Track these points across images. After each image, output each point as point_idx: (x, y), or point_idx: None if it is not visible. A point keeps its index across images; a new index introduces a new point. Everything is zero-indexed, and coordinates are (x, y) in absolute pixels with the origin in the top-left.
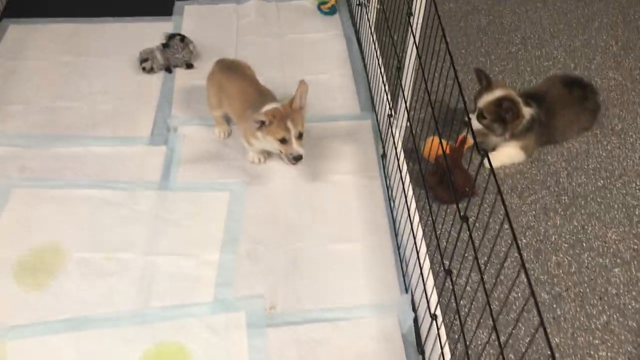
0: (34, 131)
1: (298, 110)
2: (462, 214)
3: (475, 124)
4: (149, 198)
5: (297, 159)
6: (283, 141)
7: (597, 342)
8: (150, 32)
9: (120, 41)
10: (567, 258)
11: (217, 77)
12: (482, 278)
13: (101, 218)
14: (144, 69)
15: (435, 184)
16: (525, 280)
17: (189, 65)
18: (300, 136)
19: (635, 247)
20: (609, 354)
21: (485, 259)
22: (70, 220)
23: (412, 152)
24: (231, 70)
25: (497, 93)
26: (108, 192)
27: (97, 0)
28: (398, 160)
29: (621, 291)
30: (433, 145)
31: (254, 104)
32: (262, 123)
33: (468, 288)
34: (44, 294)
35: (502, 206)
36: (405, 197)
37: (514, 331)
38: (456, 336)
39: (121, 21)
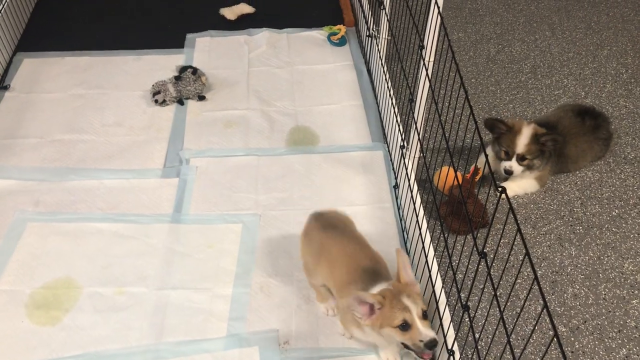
0: (48, 164)
1: (410, 284)
2: (479, 248)
3: (515, 166)
4: (162, 231)
5: (431, 346)
6: (404, 327)
7: None
8: (162, 64)
9: (133, 74)
10: (583, 290)
11: (315, 238)
12: (502, 317)
13: (113, 251)
14: (156, 101)
15: (446, 214)
16: (545, 315)
17: (201, 97)
18: (424, 315)
19: None
20: None
21: (505, 293)
22: (83, 254)
23: (425, 183)
24: (333, 228)
25: (527, 132)
26: (120, 226)
27: (110, 33)
28: (411, 191)
29: None
30: (444, 176)
31: (360, 279)
32: (371, 308)
33: (486, 322)
34: (57, 328)
35: (521, 241)
36: (420, 229)
37: None
38: None
39: (134, 54)
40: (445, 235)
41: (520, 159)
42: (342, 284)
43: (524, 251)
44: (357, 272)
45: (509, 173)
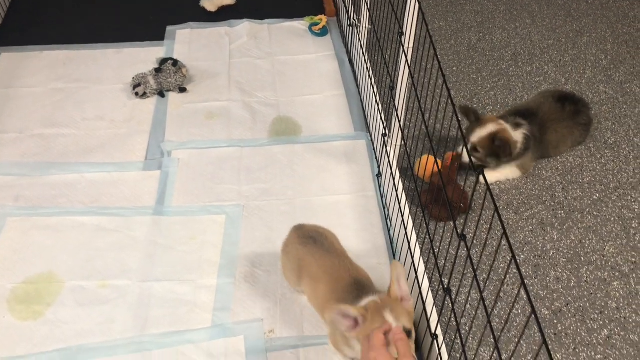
0: (28, 159)
1: (401, 299)
2: (459, 231)
3: (464, 154)
4: (144, 224)
5: None
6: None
7: (599, 357)
8: (143, 57)
9: (113, 67)
10: (566, 273)
11: (296, 251)
12: (482, 297)
13: (96, 245)
14: (136, 94)
15: (429, 201)
16: (525, 296)
17: (182, 89)
18: (408, 335)
19: (634, 259)
20: None
21: (485, 276)
22: (65, 248)
23: (408, 171)
24: (316, 243)
25: (490, 128)
26: (102, 219)
27: (89, 27)
28: (394, 179)
29: (621, 305)
30: (424, 164)
31: (342, 296)
32: (355, 321)
33: (468, 306)
34: (39, 323)
35: (500, 223)
36: (402, 216)
37: (517, 348)
38: (458, 355)
39: (114, 47)
40: (427, 222)
41: (473, 149)
42: (326, 301)
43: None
44: (341, 288)
45: (458, 159)
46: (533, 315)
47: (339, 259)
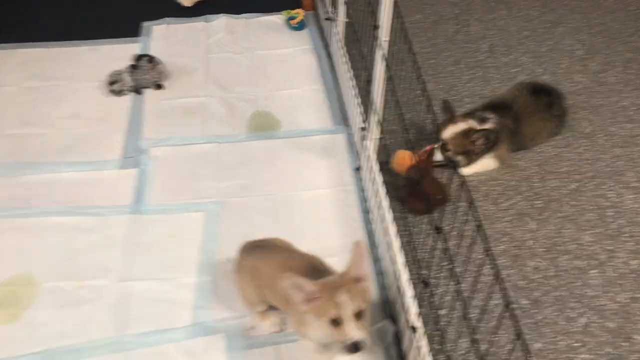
0: (3, 160)
1: (355, 280)
2: (436, 224)
3: (438, 155)
4: (122, 222)
5: (353, 349)
6: (335, 323)
7: (577, 344)
8: (118, 54)
9: (89, 64)
10: (544, 262)
11: (245, 264)
12: (458, 290)
13: (73, 245)
14: (112, 91)
15: (407, 195)
16: (504, 286)
17: (159, 86)
18: (359, 315)
19: (610, 248)
20: (589, 357)
21: (464, 267)
22: (42, 249)
23: (387, 164)
24: (261, 248)
25: (462, 126)
26: (79, 219)
27: (63, 24)
28: (372, 172)
29: (598, 293)
30: (402, 158)
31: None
32: (308, 297)
33: (448, 297)
34: (17, 326)
35: (477, 214)
36: (381, 209)
37: (496, 338)
38: (438, 347)
39: (89, 44)
40: (406, 215)
41: (443, 147)
42: (282, 296)
43: (484, 228)
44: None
45: (430, 156)
46: (514, 305)
47: (287, 252)
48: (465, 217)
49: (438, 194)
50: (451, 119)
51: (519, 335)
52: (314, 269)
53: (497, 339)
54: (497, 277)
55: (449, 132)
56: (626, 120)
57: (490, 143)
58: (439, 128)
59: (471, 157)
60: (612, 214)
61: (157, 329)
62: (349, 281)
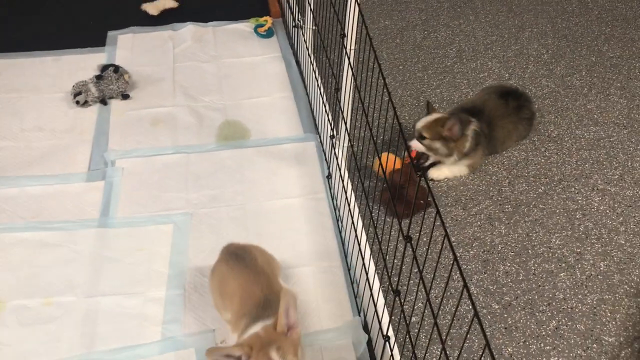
0: None
1: (286, 333)
2: (404, 232)
3: (418, 146)
4: (89, 237)
5: None
6: None
7: (548, 348)
8: (83, 64)
9: (53, 75)
10: (514, 266)
11: (219, 269)
12: (428, 299)
13: (38, 261)
14: (77, 102)
15: (390, 199)
16: (474, 291)
17: (125, 96)
18: None
19: (579, 250)
20: (560, 359)
21: (436, 274)
22: (6, 266)
23: (364, 170)
24: (238, 259)
25: (435, 116)
26: (45, 234)
27: (26, 34)
28: (342, 180)
29: (568, 295)
30: (384, 162)
31: (251, 311)
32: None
33: (420, 304)
34: None
35: (447, 220)
36: (352, 217)
37: (467, 344)
38: (410, 354)
39: (52, 54)
40: (375, 223)
41: (420, 137)
42: (236, 316)
43: (454, 232)
44: (250, 303)
45: (408, 149)
46: (486, 310)
47: (256, 274)
48: (437, 224)
49: (422, 198)
50: (428, 113)
51: (487, 345)
52: (266, 304)
53: (469, 344)
54: (465, 286)
55: (422, 122)
56: (592, 124)
57: (476, 136)
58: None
59: (449, 145)
60: (580, 216)
61: (127, 345)
62: (278, 335)
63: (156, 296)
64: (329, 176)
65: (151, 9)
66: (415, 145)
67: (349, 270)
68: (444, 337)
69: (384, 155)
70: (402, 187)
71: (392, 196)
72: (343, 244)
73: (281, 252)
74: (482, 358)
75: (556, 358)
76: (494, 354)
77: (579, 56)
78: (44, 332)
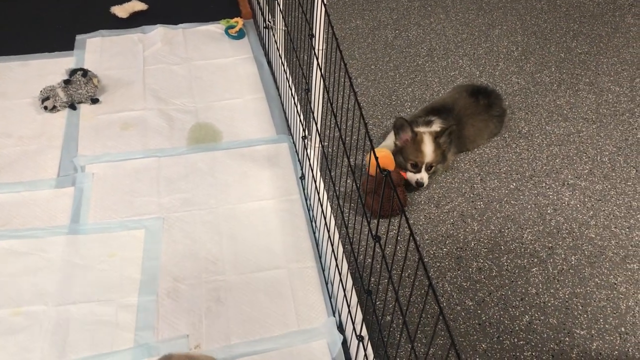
0: None
1: None
2: (373, 232)
3: (425, 177)
4: (59, 244)
5: None
6: None
7: (521, 343)
8: (51, 69)
9: (20, 80)
10: (487, 263)
11: None
12: (397, 298)
13: (7, 270)
14: (45, 107)
15: (375, 201)
16: (448, 289)
17: (95, 100)
18: None
19: (550, 245)
20: (533, 354)
21: (404, 273)
22: None
23: (335, 171)
24: None
25: (428, 139)
26: (13, 242)
27: None
28: (315, 181)
29: (540, 290)
30: (385, 157)
31: None
32: None
33: (395, 303)
34: None
35: (420, 218)
36: (324, 218)
37: (441, 341)
38: (382, 352)
39: (19, 59)
40: (346, 223)
41: (428, 168)
42: None
43: (427, 230)
44: None
45: (420, 185)
46: (459, 307)
47: None
48: (399, 223)
49: (405, 201)
50: (416, 137)
51: (452, 343)
52: None
53: (443, 342)
54: (430, 285)
55: (427, 151)
56: (561, 119)
57: (453, 133)
58: (414, 153)
59: (445, 158)
60: (551, 211)
61: (99, 353)
62: None
63: (128, 303)
64: (302, 177)
65: (120, 11)
66: (423, 177)
67: (323, 270)
68: (413, 336)
69: (378, 151)
70: (389, 188)
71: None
72: (317, 245)
73: (255, 255)
74: (449, 357)
75: (529, 352)
76: (469, 350)
77: (548, 53)
78: (12, 343)
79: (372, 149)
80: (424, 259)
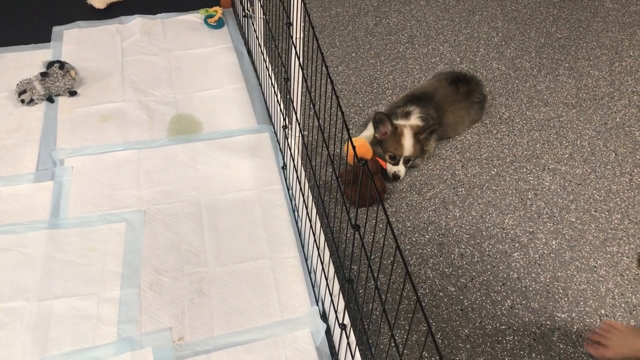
0: None
1: None
2: (352, 222)
3: (402, 170)
4: (39, 239)
5: None
6: None
7: (504, 327)
8: (28, 61)
9: None
10: (469, 249)
11: None
12: (376, 286)
13: None
14: (22, 101)
15: (354, 190)
16: (430, 275)
17: (73, 93)
18: None
19: (531, 230)
20: (515, 338)
21: (385, 261)
22: None
23: (316, 160)
24: None
25: (408, 133)
26: None
27: None
28: (296, 170)
29: (522, 275)
30: (362, 146)
31: None
32: None
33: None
34: None
35: (402, 206)
36: (306, 208)
37: (425, 328)
38: (365, 340)
39: None
40: (327, 212)
41: (406, 161)
42: None
43: (410, 217)
44: None
45: (397, 178)
46: (442, 293)
47: None
48: (377, 211)
49: (383, 191)
50: (396, 130)
51: (429, 331)
52: None
53: (424, 327)
54: (407, 274)
55: (406, 144)
56: (542, 104)
57: (436, 131)
58: (393, 146)
59: (423, 152)
60: (532, 196)
61: (82, 348)
62: None
63: (110, 296)
64: (284, 167)
65: (97, 2)
66: (400, 170)
67: (305, 260)
68: (392, 323)
69: (355, 140)
70: (367, 177)
71: (355, 183)
72: (300, 235)
73: (238, 246)
74: (425, 346)
75: (512, 337)
76: (451, 335)
77: (528, 38)
78: None
79: (350, 138)
80: (400, 247)
